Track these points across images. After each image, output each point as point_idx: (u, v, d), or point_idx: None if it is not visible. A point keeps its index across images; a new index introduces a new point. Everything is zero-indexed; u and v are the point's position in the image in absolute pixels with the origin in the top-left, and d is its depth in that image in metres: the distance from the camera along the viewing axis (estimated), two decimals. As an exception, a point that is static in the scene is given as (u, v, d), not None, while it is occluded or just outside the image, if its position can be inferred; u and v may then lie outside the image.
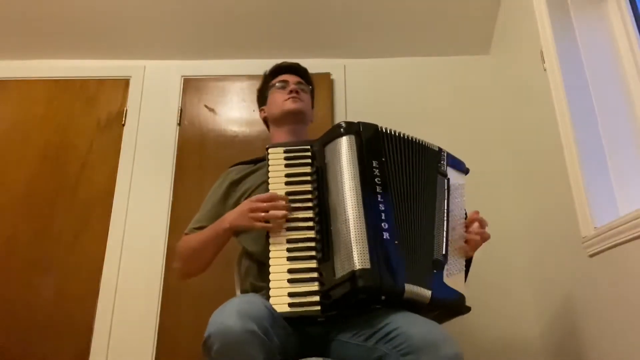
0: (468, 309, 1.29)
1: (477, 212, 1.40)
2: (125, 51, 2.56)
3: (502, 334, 2.09)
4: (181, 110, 2.50)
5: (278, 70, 1.72)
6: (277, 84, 1.67)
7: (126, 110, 2.49)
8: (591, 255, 1.55)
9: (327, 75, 2.50)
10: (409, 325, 1.09)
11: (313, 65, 2.52)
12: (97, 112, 2.48)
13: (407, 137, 1.38)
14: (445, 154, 1.43)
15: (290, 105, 1.61)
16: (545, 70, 1.81)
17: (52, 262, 2.23)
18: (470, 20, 2.42)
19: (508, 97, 2.35)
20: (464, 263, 1.35)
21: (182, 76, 2.56)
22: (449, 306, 1.27)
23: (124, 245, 2.26)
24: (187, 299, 2.15)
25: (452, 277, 1.27)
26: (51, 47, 2.54)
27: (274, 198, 1.27)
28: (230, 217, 1.35)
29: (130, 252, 2.25)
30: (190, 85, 2.55)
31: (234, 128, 2.46)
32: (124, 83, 2.54)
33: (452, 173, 1.42)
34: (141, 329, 2.14)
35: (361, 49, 2.54)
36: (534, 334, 2.05)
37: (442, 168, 1.40)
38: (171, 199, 2.33)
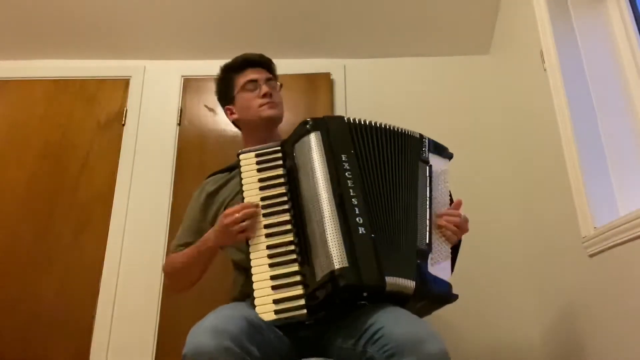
0: (455, 297, 1.26)
1: (460, 201, 1.36)
2: (125, 51, 2.56)
3: (502, 334, 2.09)
4: (181, 110, 2.50)
5: (242, 64, 1.62)
6: (247, 86, 1.58)
7: (126, 110, 2.49)
8: (591, 255, 1.55)
9: (327, 75, 2.50)
10: (393, 325, 1.08)
11: (313, 65, 2.55)
12: (97, 112, 2.48)
13: (380, 125, 1.34)
14: (427, 141, 1.40)
15: (267, 112, 1.55)
16: (545, 70, 1.81)
17: (52, 262, 2.23)
18: (470, 20, 2.42)
19: (508, 97, 2.35)
20: (450, 250, 1.31)
21: (182, 76, 2.56)
22: (435, 295, 1.24)
23: (124, 245, 2.26)
24: (187, 299, 2.13)
25: (438, 266, 1.25)
26: (51, 47, 2.54)
27: (245, 206, 1.25)
28: (213, 237, 1.33)
29: (130, 252, 2.25)
30: (190, 85, 2.55)
31: (234, 128, 2.43)
32: (124, 83, 2.54)
33: (434, 159, 1.39)
34: (141, 328, 2.14)
35: (361, 49, 2.54)
36: (533, 333, 2.05)
37: (424, 155, 1.37)
38: (171, 199, 2.33)
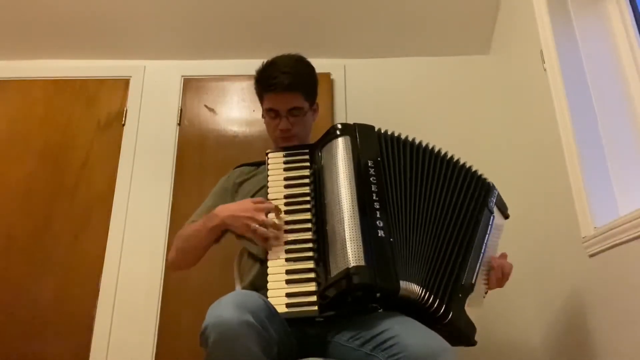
0: (475, 343, 1.28)
1: (505, 255, 1.42)
2: (125, 51, 2.56)
3: (502, 334, 2.09)
4: (181, 110, 2.50)
5: (269, 85, 1.46)
6: (268, 112, 1.49)
7: (126, 110, 2.49)
8: (591, 255, 1.55)
9: (327, 75, 2.49)
10: (407, 335, 1.08)
11: (313, 65, 2.53)
12: (97, 112, 2.48)
13: (414, 142, 1.40)
14: (497, 193, 1.47)
15: (283, 144, 1.49)
16: (545, 70, 1.81)
17: (52, 262, 2.23)
18: (470, 20, 2.42)
19: (508, 97, 2.35)
20: (483, 300, 1.36)
21: (182, 76, 2.55)
22: (462, 333, 1.25)
23: (124, 245, 2.26)
24: (187, 299, 2.15)
25: (471, 308, 1.27)
26: (51, 47, 2.54)
27: (273, 209, 1.27)
28: (224, 215, 1.33)
29: (130, 252, 2.25)
30: (190, 85, 2.55)
31: (234, 128, 2.46)
32: (124, 83, 2.54)
33: (496, 212, 1.45)
34: (141, 329, 2.14)
35: (361, 49, 2.54)
36: (534, 333, 2.05)
37: (491, 204, 1.43)
38: (171, 199, 2.33)
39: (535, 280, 2.07)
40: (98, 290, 2.19)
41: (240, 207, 1.32)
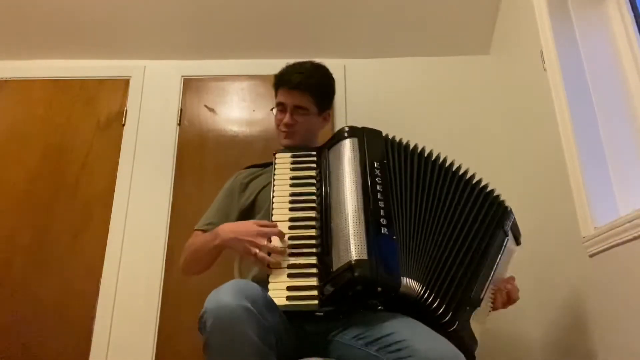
0: (474, 358, 1.27)
1: (513, 279, 1.44)
2: (125, 51, 2.56)
3: (502, 334, 2.09)
4: (181, 110, 2.50)
5: (282, 81, 1.57)
6: (278, 106, 1.58)
7: (126, 110, 2.49)
8: (591, 255, 1.55)
9: (327, 75, 2.49)
10: (416, 339, 1.08)
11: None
12: (97, 112, 2.48)
13: (419, 149, 1.41)
14: (513, 218, 1.48)
15: (283, 141, 1.56)
16: (545, 70, 1.81)
17: (51, 263, 2.23)
18: (470, 20, 2.42)
19: (508, 97, 2.35)
20: (486, 318, 1.37)
21: (182, 76, 2.56)
22: (465, 345, 1.23)
23: (124, 245, 2.26)
24: (187, 299, 2.15)
25: (475, 323, 1.27)
26: (51, 47, 2.54)
27: (277, 234, 1.26)
28: (226, 236, 1.32)
29: (130, 252, 2.25)
30: (190, 85, 2.55)
31: (234, 128, 2.46)
32: (124, 83, 2.54)
33: (510, 237, 1.46)
34: (141, 329, 2.14)
35: (361, 49, 2.54)
36: (533, 333, 2.05)
37: (506, 227, 1.44)
38: (171, 199, 2.33)
39: (536, 280, 2.07)
40: (98, 290, 2.19)
41: (243, 230, 1.30)
